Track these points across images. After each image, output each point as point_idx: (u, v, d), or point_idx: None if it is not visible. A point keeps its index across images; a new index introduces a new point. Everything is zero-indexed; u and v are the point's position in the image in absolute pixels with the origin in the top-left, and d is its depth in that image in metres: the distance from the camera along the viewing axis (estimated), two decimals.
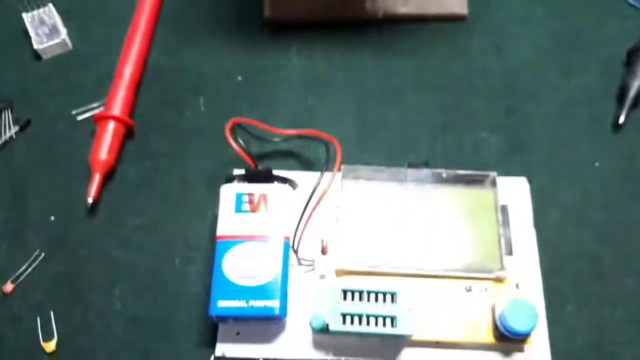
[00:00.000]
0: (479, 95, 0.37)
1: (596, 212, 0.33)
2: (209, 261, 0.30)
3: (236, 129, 0.32)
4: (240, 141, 0.31)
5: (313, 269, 0.31)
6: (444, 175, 0.31)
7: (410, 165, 0.32)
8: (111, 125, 0.34)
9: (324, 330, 0.27)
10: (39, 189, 0.34)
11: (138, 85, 0.37)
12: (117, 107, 0.35)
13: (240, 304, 0.27)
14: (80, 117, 0.36)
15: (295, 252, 0.30)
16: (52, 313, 0.30)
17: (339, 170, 0.31)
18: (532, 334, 0.28)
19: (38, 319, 0.30)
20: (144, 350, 0.30)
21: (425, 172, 0.32)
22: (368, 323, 0.27)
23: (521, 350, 0.29)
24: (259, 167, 0.32)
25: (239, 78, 0.37)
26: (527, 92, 0.37)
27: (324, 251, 0.31)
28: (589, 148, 0.35)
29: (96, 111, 0.36)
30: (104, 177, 0.34)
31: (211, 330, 0.29)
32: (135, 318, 0.30)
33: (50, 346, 0.29)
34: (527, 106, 0.36)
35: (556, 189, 0.34)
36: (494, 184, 0.31)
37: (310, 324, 0.26)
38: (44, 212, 0.33)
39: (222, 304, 0.28)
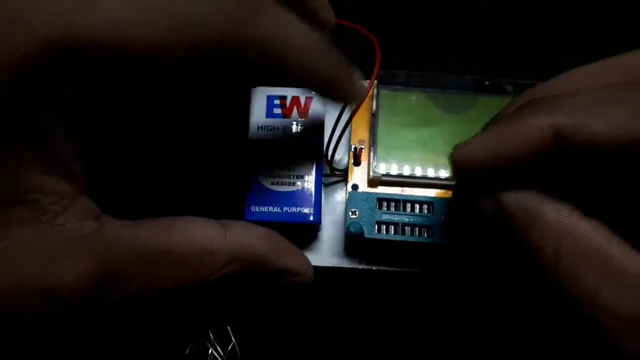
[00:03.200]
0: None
1: None
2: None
3: None
4: None
5: (346, 179, 0.30)
6: (487, 82, 0.30)
7: (452, 71, 0.30)
8: None
9: (359, 237, 0.26)
10: None
11: None
12: None
13: (275, 209, 0.27)
14: None
15: (329, 161, 0.29)
16: None
17: (377, 77, 0.29)
18: None
19: None
20: None
21: (468, 79, 0.30)
22: (403, 232, 0.27)
23: None
24: None
25: None
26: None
27: (357, 161, 0.30)
28: None
29: None
30: None
31: None
32: None
33: None
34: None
35: None
36: None
37: (348, 229, 0.26)
38: None
39: (256, 209, 0.27)
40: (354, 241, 0.27)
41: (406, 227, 0.27)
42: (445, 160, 0.29)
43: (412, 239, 0.27)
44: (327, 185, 0.30)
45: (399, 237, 0.27)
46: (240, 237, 0.23)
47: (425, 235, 0.27)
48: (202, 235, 0.22)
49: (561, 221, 0.19)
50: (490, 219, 0.21)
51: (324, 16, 0.25)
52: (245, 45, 0.20)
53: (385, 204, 0.27)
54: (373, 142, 0.29)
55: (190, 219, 0.22)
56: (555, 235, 0.19)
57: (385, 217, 0.27)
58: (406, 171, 0.29)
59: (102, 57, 0.18)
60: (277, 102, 0.28)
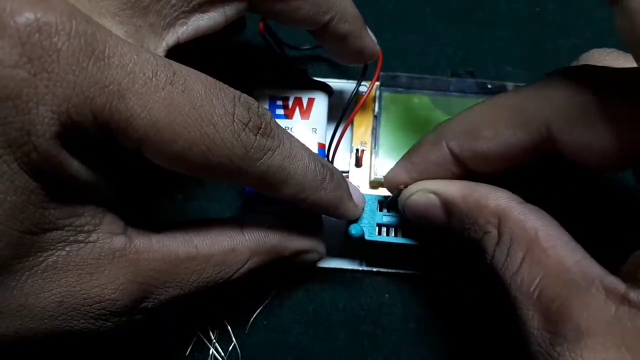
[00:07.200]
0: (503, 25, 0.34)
1: None
2: None
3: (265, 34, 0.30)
4: (271, 39, 0.29)
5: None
6: (489, 85, 0.30)
7: (453, 75, 0.30)
8: None
9: (360, 240, 0.26)
10: None
11: None
12: None
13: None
14: None
15: (330, 162, 0.29)
16: None
17: (378, 79, 0.29)
18: None
19: None
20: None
21: (469, 81, 0.30)
22: (404, 234, 0.27)
23: None
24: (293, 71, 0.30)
25: None
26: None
27: (358, 162, 0.30)
28: None
29: None
30: None
31: None
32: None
33: None
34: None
35: None
36: None
37: (350, 231, 0.26)
38: None
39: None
40: (355, 243, 0.27)
41: (407, 230, 0.27)
42: None
43: (412, 242, 0.26)
44: None
45: (399, 240, 0.27)
46: (256, 230, 0.24)
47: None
48: (221, 235, 0.23)
49: (501, 205, 0.21)
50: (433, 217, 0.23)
51: (369, 52, 0.27)
52: (246, 175, 0.20)
53: (386, 206, 0.27)
54: (375, 144, 0.29)
55: (208, 220, 0.23)
56: (497, 219, 0.20)
57: (386, 219, 0.27)
58: None
59: (128, 140, 0.18)
60: (279, 102, 0.28)
